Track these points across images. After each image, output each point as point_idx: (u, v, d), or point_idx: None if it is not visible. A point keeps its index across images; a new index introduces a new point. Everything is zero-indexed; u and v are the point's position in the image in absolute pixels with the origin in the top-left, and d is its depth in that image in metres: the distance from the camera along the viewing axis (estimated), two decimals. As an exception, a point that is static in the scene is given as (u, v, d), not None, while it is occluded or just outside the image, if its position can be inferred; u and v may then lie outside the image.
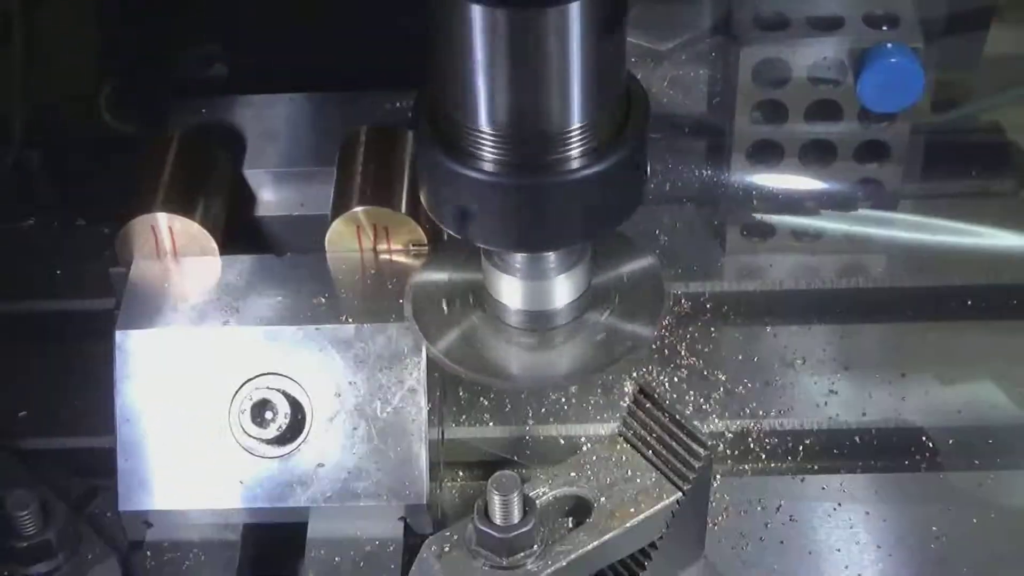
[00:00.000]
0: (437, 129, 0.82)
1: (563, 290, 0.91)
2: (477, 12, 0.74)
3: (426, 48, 0.80)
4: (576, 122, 0.79)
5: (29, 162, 1.25)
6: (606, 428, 1.03)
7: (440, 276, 0.96)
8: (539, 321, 0.93)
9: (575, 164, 0.80)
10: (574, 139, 0.80)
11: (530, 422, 1.05)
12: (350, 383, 0.94)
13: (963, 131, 1.23)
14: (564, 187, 0.80)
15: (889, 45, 1.10)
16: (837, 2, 1.14)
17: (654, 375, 1.07)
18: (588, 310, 0.94)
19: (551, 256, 0.89)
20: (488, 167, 0.80)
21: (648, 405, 0.93)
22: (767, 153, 1.18)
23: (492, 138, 0.79)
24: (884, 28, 1.12)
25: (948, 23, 1.20)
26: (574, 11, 0.75)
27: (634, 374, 1.05)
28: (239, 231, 1.05)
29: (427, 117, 0.82)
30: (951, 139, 1.22)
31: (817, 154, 1.18)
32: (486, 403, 1.06)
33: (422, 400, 0.94)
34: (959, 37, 1.20)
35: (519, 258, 0.89)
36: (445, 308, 0.95)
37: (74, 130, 1.28)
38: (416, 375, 0.94)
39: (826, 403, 1.07)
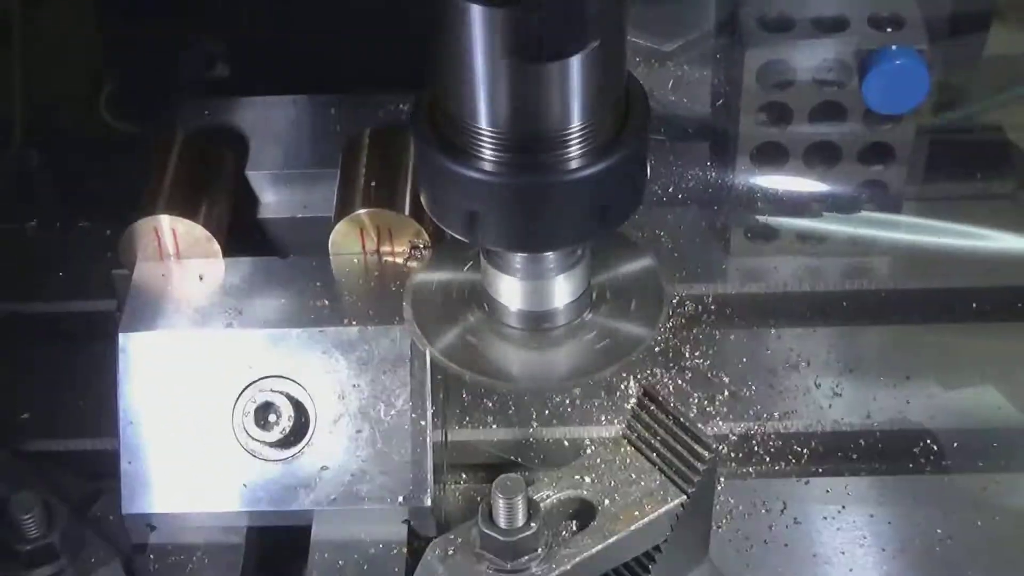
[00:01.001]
0: (437, 129, 0.81)
1: (562, 290, 0.90)
2: (477, 11, 0.74)
3: (427, 47, 0.79)
4: (576, 121, 0.78)
5: (29, 162, 1.24)
6: (610, 430, 1.02)
7: (439, 276, 0.95)
8: (538, 321, 0.92)
9: (575, 164, 0.79)
10: (574, 139, 0.79)
11: (533, 424, 1.05)
12: (354, 386, 0.94)
13: (966, 132, 1.23)
14: (564, 187, 0.80)
15: (894, 47, 1.09)
16: (841, 4, 1.14)
17: (658, 377, 1.07)
18: (587, 310, 0.93)
19: (551, 256, 0.88)
20: (487, 167, 0.79)
21: (652, 408, 0.92)
22: (772, 155, 1.18)
23: (491, 137, 0.79)
24: (889, 30, 1.12)
25: (951, 24, 1.20)
26: None
27: (638, 376, 1.06)
28: (243, 233, 1.05)
29: (427, 117, 0.82)
30: (954, 140, 1.21)
31: (821, 156, 1.17)
32: (489, 405, 1.05)
33: (426, 403, 0.94)
34: (960, 38, 1.20)
35: (518, 258, 0.88)
36: (444, 308, 0.94)
37: (74, 130, 1.28)
38: (420, 378, 0.94)
39: (830, 406, 1.07)
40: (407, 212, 0.97)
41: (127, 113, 1.25)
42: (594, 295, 0.92)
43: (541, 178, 0.79)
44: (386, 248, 0.99)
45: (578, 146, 0.79)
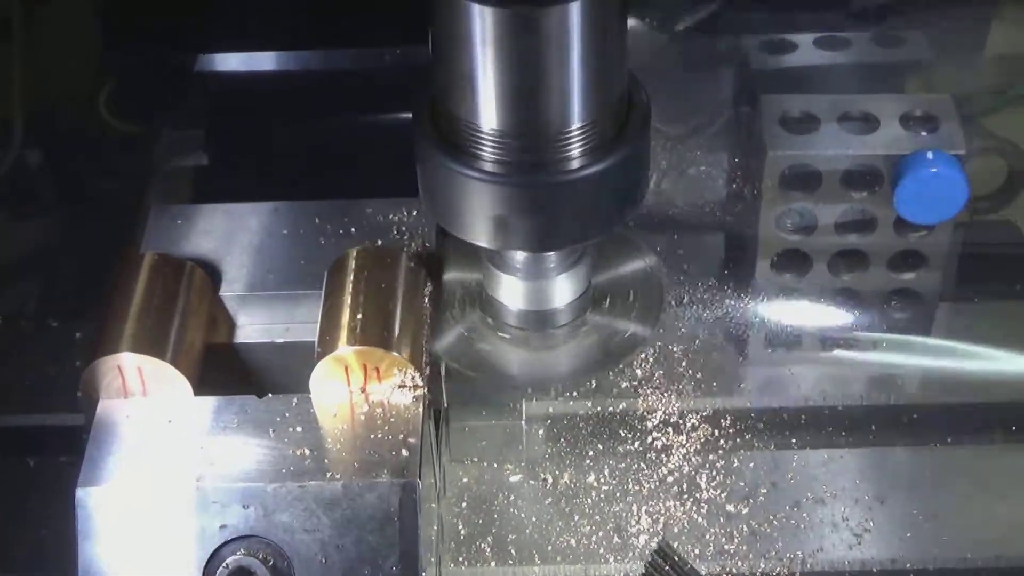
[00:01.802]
0: (437, 128, 0.81)
1: (563, 290, 0.91)
2: (477, 12, 0.74)
3: (429, 47, 0.79)
4: (577, 121, 0.78)
5: (29, 162, 1.22)
6: (619, 569, 0.96)
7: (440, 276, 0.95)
8: (539, 321, 0.92)
9: (576, 164, 0.80)
10: (575, 139, 0.79)
11: (537, 563, 0.98)
12: (337, 547, 0.86)
13: (998, 240, 1.16)
14: (565, 187, 0.80)
15: (929, 154, 1.01)
16: (871, 102, 1.06)
17: (672, 511, 0.99)
18: (588, 310, 0.93)
19: (551, 256, 0.89)
20: (488, 167, 0.79)
21: (667, 568, 0.88)
22: (794, 262, 1.10)
23: (493, 137, 0.78)
24: (923, 133, 1.04)
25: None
26: (574, 10, 0.75)
27: (649, 509, 0.99)
28: (217, 359, 0.97)
29: (428, 116, 0.82)
30: (986, 244, 1.14)
31: (848, 263, 1.09)
32: (488, 542, 0.99)
33: (418, 564, 0.86)
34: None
35: (519, 258, 0.89)
36: (445, 308, 0.94)
37: (74, 130, 1.26)
38: (410, 536, 0.86)
39: (859, 543, 0.99)
40: (395, 349, 0.89)
41: (127, 113, 1.23)
42: (594, 294, 0.94)
43: (542, 178, 0.80)
44: (373, 385, 0.90)
45: (577, 146, 0.79)
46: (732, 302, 1.09)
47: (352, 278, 0.93)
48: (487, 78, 0.77)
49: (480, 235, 0.83)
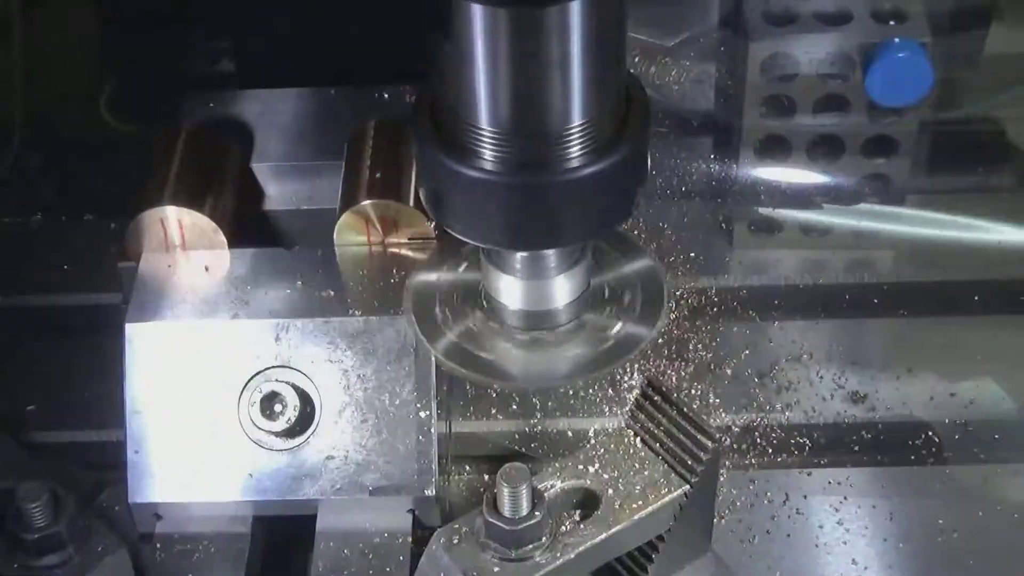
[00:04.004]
0: (436, 127, 0.81)
1: (563, 290, 0.90)
2: (477, 10, 0.74)
3: (427, 45, 0.79)
4: (576, 120, 0.78)
5: (29, 162, 1.25)
6: (614, 421, 1.00)
7: (439, 275, 0.95)
8: (538, 321, 0.92)
9: (575, 163, 0.79)
10: (574, 137, 0.79)
11: (538, 415, 1.05)
12: (359, 376, 0.94)
13: (966, 124, 1.23)
14: (564, 186, 0.80)
15: (897, 40, 1.10)
16: (845, -2, 1.15)
17: (662, 369, 1.07)
18: (588, 310, 0.93)
19: (551, 255, 0.88)
20: (487, 165, 0.79)
21: (656, 398, 0.92)
22: (775, 148, 1.18)
23: (491, 136, 0.78)
24: (891, 23, 1.13)
25: (953, 19, 1.20)
26: (574, 9, 0.75)
27: (642, 367, 1.06)
28: (248, 225, 1.05)
29: (427, 115, 0.82)
30: (955, 134, 1.22)
31: (825, 149, 1.18)
32: (493, 397, 1.05)
33: (430, 393, 0.94)
34: (962, 35, 1.21)
35: (518, 257, 0.88)
36: (444, 308, 0.93)
37: (74, 130, 1.28)
38: (424, 369, 0.94)
39: (832, 397, 1.07)
40: (411, 203, 0.97)
41: (127, 113, 1.26)
42: (594, 294, 0.92)
43: (540, 177, 0.79)
44: (391, 239, 0.99)
45: (578, 145, 0.79)
46: (718, 186, 1.18)
47: (371, 144, 1.01)
48: (486, 77, 0.76)
49: (479, 234, 0.83)
